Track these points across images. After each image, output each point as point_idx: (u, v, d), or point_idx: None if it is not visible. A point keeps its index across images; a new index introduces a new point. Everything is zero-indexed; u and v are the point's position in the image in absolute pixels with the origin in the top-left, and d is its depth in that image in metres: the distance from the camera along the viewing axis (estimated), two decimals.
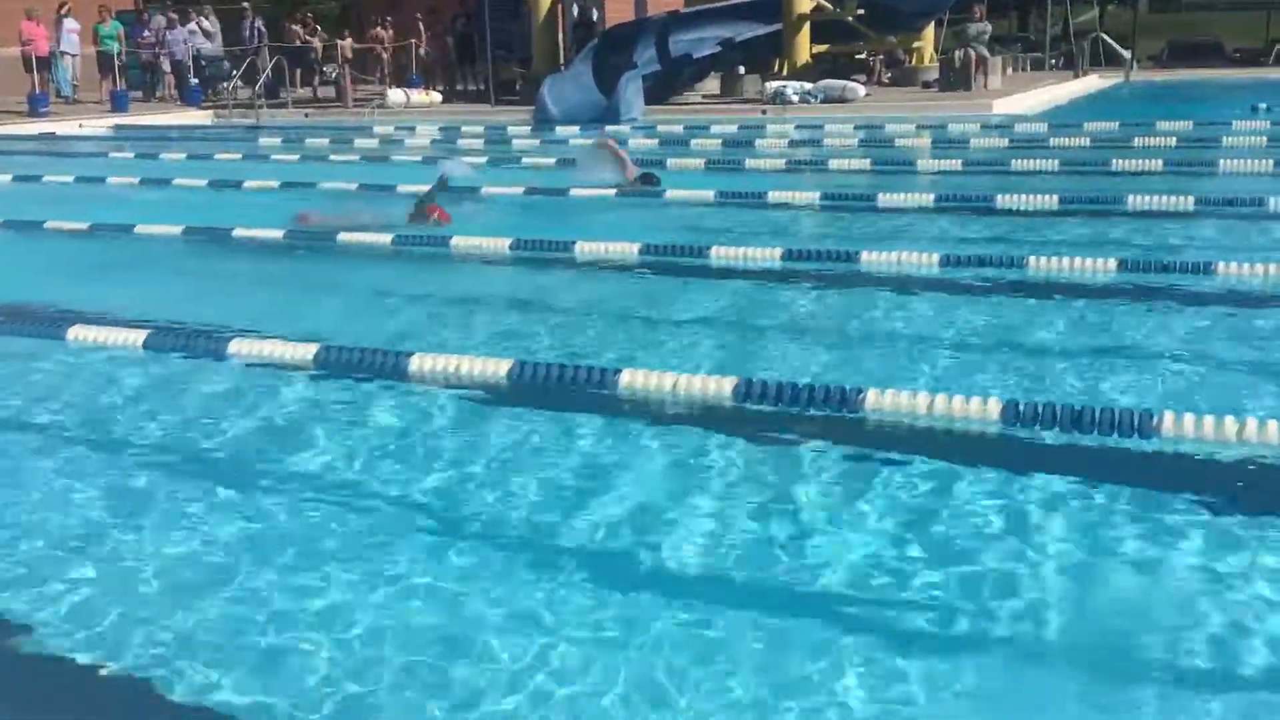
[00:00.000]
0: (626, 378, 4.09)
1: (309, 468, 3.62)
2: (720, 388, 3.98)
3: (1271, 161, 9.79)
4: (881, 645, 2.49)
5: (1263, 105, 14.45)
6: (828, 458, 3.58)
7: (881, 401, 3.73)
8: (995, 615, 2.62)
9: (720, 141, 13.42)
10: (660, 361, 4.33)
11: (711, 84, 20.44)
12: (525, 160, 12.56)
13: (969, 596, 2.70)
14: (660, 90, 18.46)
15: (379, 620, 2.64)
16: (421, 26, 23.54)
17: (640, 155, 12.57)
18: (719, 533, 3.06)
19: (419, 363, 4.38)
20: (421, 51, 23.46)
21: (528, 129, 16.11)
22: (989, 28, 20.51)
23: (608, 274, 6.66)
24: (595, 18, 22.44)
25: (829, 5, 20.11)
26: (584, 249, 6.89)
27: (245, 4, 23.70)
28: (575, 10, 21.73)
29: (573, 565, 2.91)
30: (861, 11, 19.90)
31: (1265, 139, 11.31)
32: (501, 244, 7.13)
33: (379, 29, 23.72)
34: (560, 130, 15.51)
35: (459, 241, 7.24)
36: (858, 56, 21.62)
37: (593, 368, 4.21)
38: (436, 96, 20.98)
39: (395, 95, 20.27)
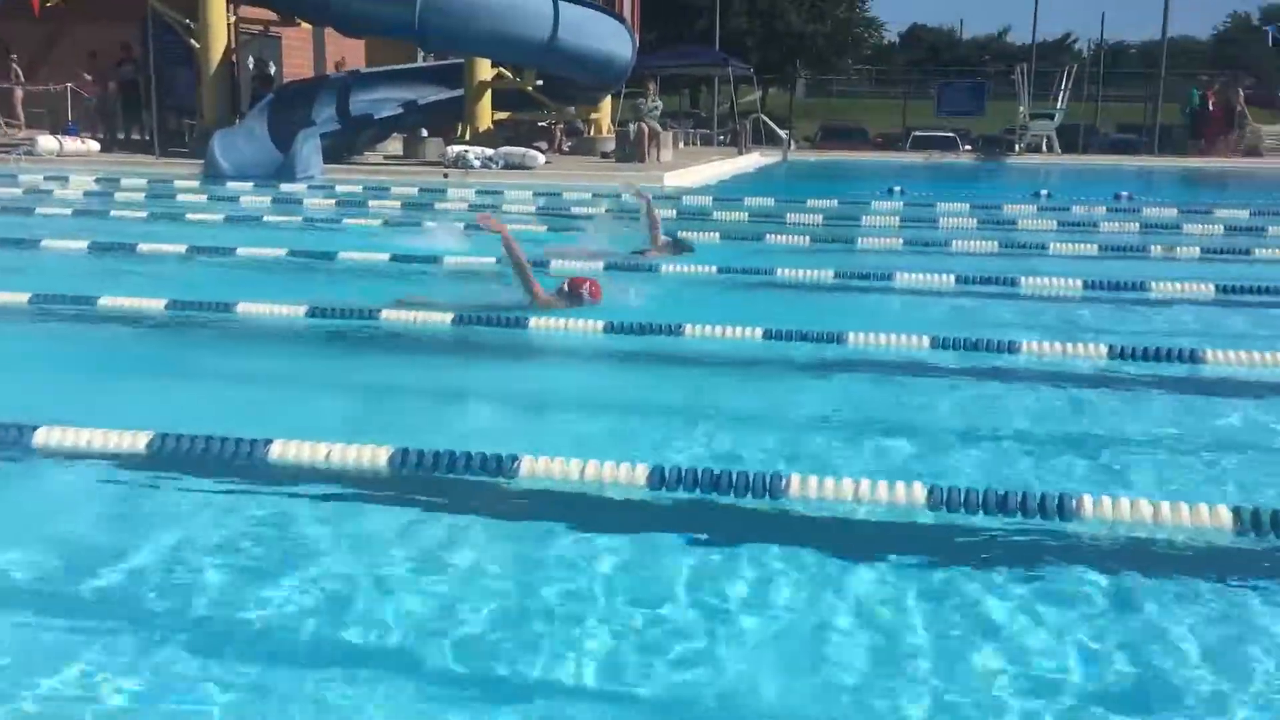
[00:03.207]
0: (279, 449, 3.96)
1: None
2: (376, 456, 3.93)
3: (901, 240, 10.87)
4: None
5: (898, 188, 16.01)
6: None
7: (536, 468, 3.82)
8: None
9: (400, 203, 13.33)
10: (322, 431, 4.20)
11: (394, 145, 20.31)
12: (190, 216, 11.96)
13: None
14: (340, 149, 18.15)
15: None
16: (85, 72, 21.95)
17: (317, 215, 12.35)
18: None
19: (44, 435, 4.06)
20: (85, 97, 21.85)
21: (196, 183, 15.35)
22: (660, 104, 21.62)
23: (271, 337, 6.44)
24: (273, 71, 21.81)
25: (509, 74, 20.55)
26: (247, 310, 6.63)
27: None
28: (251, 62, 21.02)
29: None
30: (540, 82, 20.46)
31: (898, 219, 12.53)
32: (156, 304, 6.72)
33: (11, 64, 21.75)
34: (232, 186, 14.91)
35: (106, 301, 6.76)
36: (540, 124, 22.17)
37: (241, 440, 4.03)
38: (94, 145, 19.61)
39: (46, 142, 18.74)
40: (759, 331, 6.08)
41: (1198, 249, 10.11)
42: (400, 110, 19.38)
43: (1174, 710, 2.63)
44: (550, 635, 2.91)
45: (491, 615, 3.01)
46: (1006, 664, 2.80)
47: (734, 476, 3.70)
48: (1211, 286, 7.82)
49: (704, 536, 3.57)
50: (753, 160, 24.54)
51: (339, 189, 14.61)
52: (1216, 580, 3.28)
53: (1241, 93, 27.08)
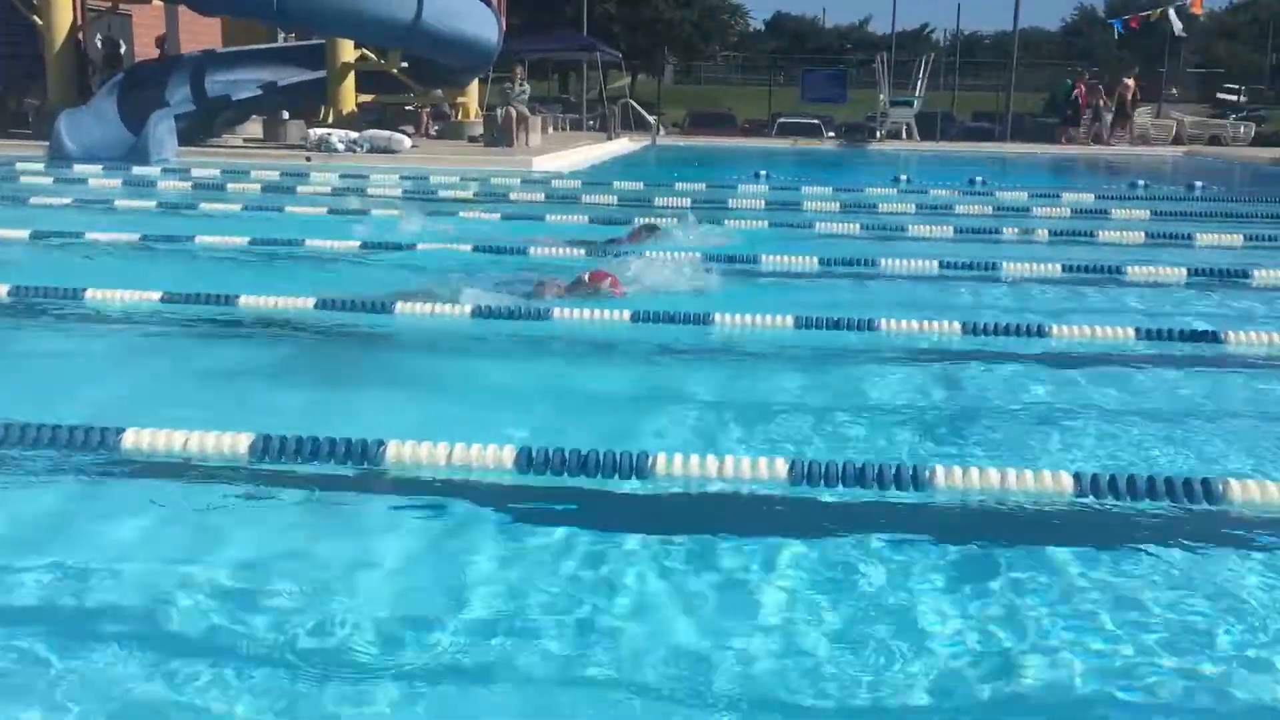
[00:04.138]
0: (132, 437, 3.83)
1: None
2: (236, 444, 3.82)
3: (767, 223, 11.05)
4: None
5: (763, 172, 16.27)
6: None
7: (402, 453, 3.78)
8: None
9: (260, 187, 12.97)
10: (175, 419, 4.07)
11: (254, 128, 19.73)
12: (34, 200, 11.44)
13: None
14: (195, 132, 17.55)
15: None
16: None
17: (171, 199, 11.94)
18: None
19: None
20: None
21: (40, 166, 14.67)
22: (529, 89, 21.50)
23: (122, 324, 6.21)
24: (123, 50, 20.96)
25: (373, 56, 20.16)
26: (95, 296, 6.38)
27: None
28: (99, 40, 20.16)
29: None
30: (406, 64, 20.14)
31: (764, 202, 12.74)
32: None
33: None
34: (79, 169, 14.29)
35: None
36: (406, 108, 21.82)
37: (91, 427, 3.88)
38: None
39: None
40: (627, 314, 6.11)
41: (1046, 231, 10.54)
42: (259, 92, 18.83)
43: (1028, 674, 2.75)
44: (412, 629, 2.89)
45: (347, 608, 2.97)
46: (869, 636, 2.89)
47: (602, 456, 3.73)
48: (1059, 266, 8.18)
49: (574, 518, 3.60)
50: (622, 145, 24.61)
51: (195, 172, 14.13)
52: (1063, 544, 3.44)
53: (1132, 84, 28.34)
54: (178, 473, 3.79)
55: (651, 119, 27.76)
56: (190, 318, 6.23)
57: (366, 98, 20.45)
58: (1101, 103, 27.62)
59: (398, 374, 5.56)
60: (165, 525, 3.48)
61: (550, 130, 25.44)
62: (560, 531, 3.44)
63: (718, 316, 6.07)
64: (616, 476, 3.67)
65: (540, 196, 12.97)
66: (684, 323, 6.07)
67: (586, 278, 6.73)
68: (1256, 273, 8.12)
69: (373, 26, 17.77)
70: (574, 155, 19.79)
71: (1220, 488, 3.53)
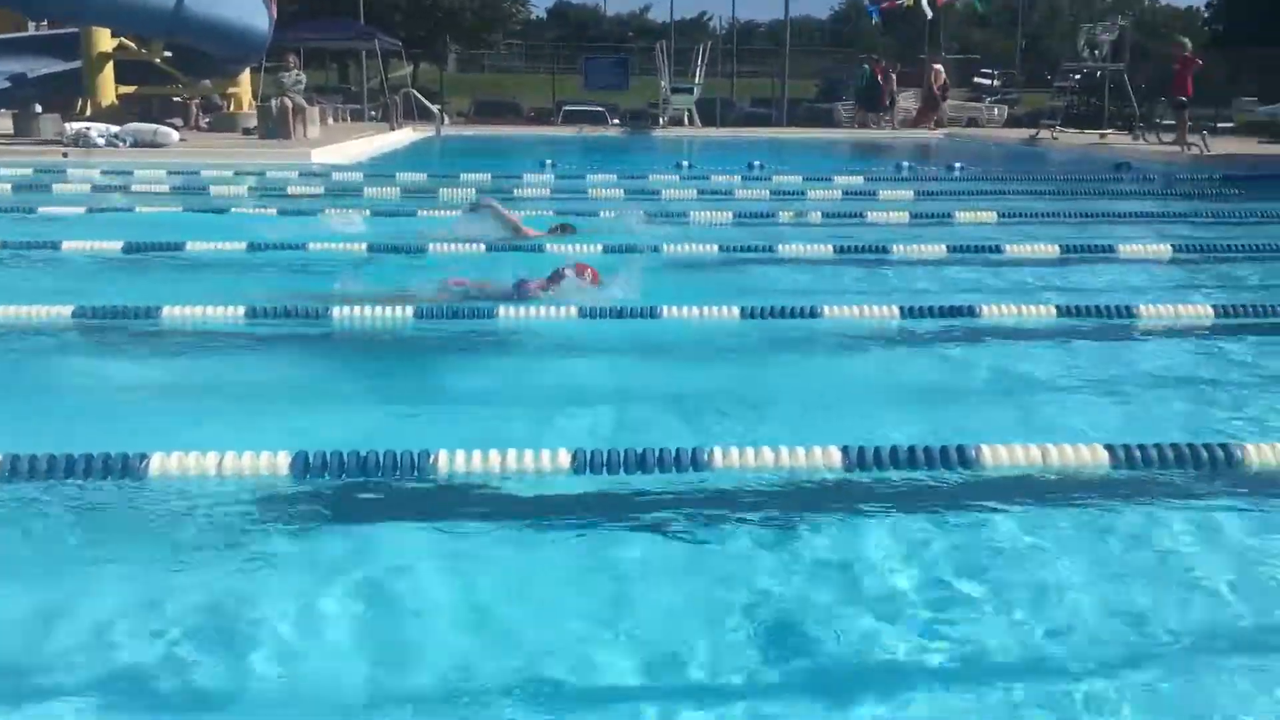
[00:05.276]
0: None
1: None
2: None
3: (553, 211, 11.08)
4: None
5: (550, 161, 16.30)
6: None
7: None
8: None
9: (10, 186, 12.10)
10: None
11: (4, 123, 18.37)
12: None
13: None
14: None
15: None
16: None
17: None
18: None
19: None
20: None
21: None
22: (304, 78, 20.81)
23: None
24: None
25: (133, 45, 19.11)
26: None
27: None
28: None
29: None
30: (170, 54, 19.17)
31: (549, 190, 12.77)
32: None
33: None
34: None
35: None
36: (175, 99, 20.79)
37: None
38: None
39: None
40: (410, 311, 6.02)
41: (819, 213, 10.97)
42: (8, 84, 17.59)
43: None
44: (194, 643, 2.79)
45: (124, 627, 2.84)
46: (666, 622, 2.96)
47: (382, 457, 3.66)
48: (830, 247, 8.53)
49: (356, 520, 3.53)
50: (405, 136, 24.15)
51: None
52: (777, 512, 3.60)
53: (939, 70, 29.72)
54: None
55: (435, 109, 27.33)
56: None
57: (129, 89, 19.34)
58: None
59: (158, 377, 5.31)
60: None
61: (330, 121, 24.74)
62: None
63: (502, 311, 6.04)
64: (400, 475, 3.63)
65: (319, 190, 12.59)
66: (469, 319, 6.03)
67: (567, 272, 6.59)
68: (1008, 247, 8.67)
69: (129, 14, 16.87)
70: (355, 147, 19.29)
71: (974, 452, 3.77)
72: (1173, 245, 8.79)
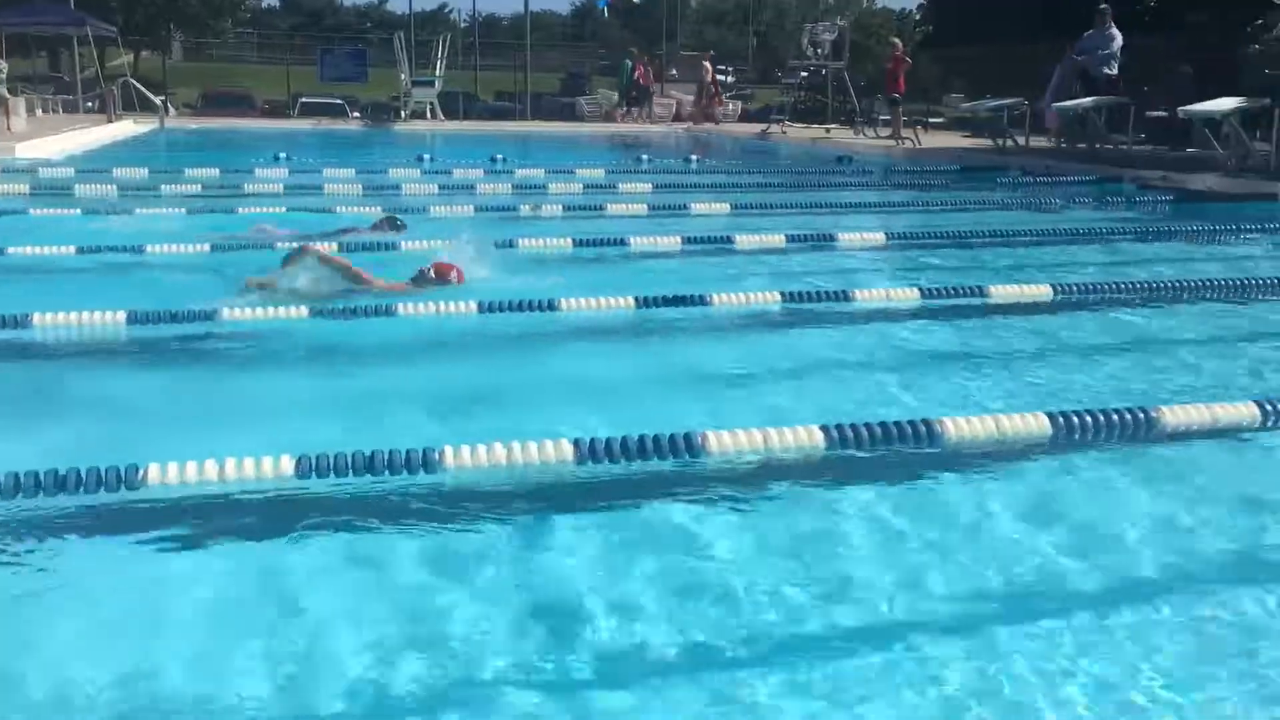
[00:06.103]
0: None
1: None
2: None
3: (286, 207, 10.69)
4: None
5: (283, 154, 15.71)
6: None
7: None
8: None
9: None
10: None
11: None
12: None
13: None
14: None
15: None
16: None
17: None
18: None
19: None
20: None
21: None
22: (5, 66, 19.23)
23: None
24: None
25: None
26: None
27: None
28: None
29: None
30: None
31: (283, 186, 12.30)
32: None
33: None
34: None
35: None
36: None
37: None
38: None
39: None
40: (121, 316, 5.69)
41: (560, 207, 11.07)
42: None
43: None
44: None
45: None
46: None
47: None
48: (569, 240, 8.63)
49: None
50: (125, 128, 22.68)
51: None
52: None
53: (709, 66, 30.31)
54: None
55: (157, 100, 25.79)
56: None
57: None
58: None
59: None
60: None
61: (39, 113, 23.00)
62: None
63: (224, 310, 5.80)
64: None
65: (25, 187, 11.65)
66: (184, 321, 5.75)
67: (431, 271, 6.56)
68: (739, 237, 9.03)
69: None
70: (67, 140, 17.99)
71: (699, 439, 3.92)
72: (885, 234, 9.41)
